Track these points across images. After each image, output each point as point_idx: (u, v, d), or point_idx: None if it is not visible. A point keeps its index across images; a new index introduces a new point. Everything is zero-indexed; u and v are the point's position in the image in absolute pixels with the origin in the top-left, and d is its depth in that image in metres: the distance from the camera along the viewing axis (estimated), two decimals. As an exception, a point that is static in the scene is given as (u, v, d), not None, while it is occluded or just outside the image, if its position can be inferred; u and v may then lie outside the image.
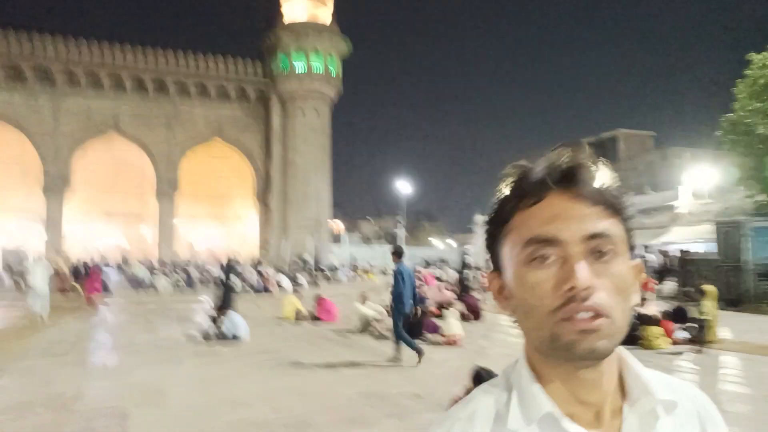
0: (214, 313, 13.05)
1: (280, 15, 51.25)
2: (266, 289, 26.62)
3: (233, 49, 65.34)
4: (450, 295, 17.17)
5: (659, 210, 37.54)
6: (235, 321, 12.57)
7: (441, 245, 75.08)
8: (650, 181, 45.49)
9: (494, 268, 0.81)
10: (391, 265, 12.38)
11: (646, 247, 29.07)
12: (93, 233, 48.32)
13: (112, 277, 29.42)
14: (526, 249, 0.72)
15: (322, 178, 50.33)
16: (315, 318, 15.68)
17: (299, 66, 48.89)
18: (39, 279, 14.71)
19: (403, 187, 49.23)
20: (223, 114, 49.86)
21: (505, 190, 0.77)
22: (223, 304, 13.26)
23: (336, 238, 52.59)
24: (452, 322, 12.12)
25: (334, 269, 41.32)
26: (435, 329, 12.45)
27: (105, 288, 23.64)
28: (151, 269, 33.01)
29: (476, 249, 39.55)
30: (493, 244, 0.80)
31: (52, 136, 44.03)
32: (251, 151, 50.88)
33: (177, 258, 43.52)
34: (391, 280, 10.19)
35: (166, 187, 47.77)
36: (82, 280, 23.49)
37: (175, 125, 48.29)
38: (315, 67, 49.08)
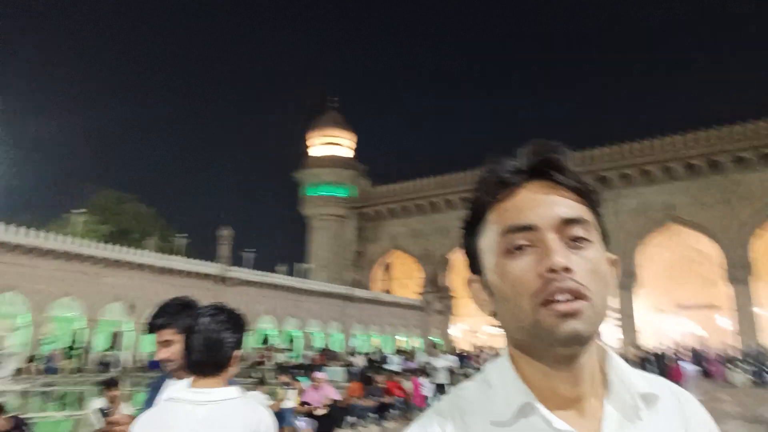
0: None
1: None
2: None
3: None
4: None
5: None
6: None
7: None
8: None
9: (473, 270, 0.82)
10: None
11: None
12: (666, 324, 48.28)
13: (688, 369, 28.56)
14: (503, 239, 0.74)
15: None
16: None
17: None
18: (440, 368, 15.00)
19: None
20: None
21: (480, 189, 0.79)
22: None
23: None
24: None
25: None
26: None
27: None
28: (728, 360, 30.06)
29: None
30: (469, 245, 0.82)
31: (615, 235, 47.90)
32: None
33: (762, 349, 37.98)
34: None
35: (738, 272, 43.39)
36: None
37: (736, 202, 44.31)
38: None
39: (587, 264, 0.71)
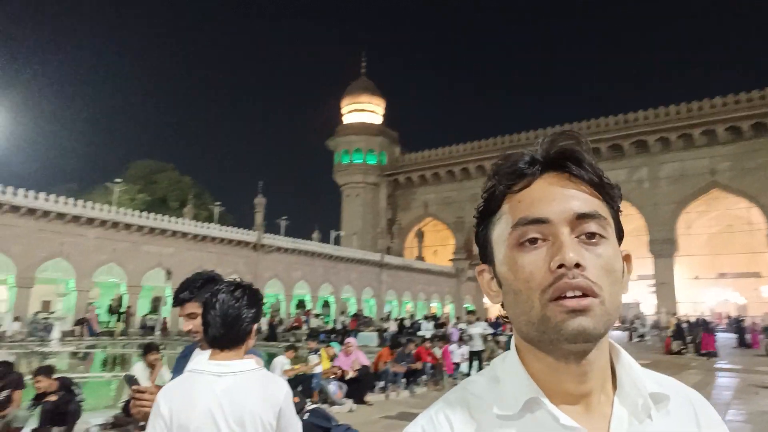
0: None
1: None
2: None
3: None
4: None
5: None
6: None
7: None
8: None
9: (483, 260, 0.80)
10: None
11: None
12: (706, 293, 47.30)
13: (724, 338, 28.19)
14: (515, 231, 0.72)
15: None
16: None
17: None
18: (476, 335, 15.05)
19: None
20: None
21: (495, 179, 0.77)
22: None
23: None
24: None
25: None
26: None
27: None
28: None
29: None
30: (482, 235, 0.80)
31: (653, 202, 46.67)
32: None
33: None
34: None
35: (783, 240, 41.94)
36: (685, 337, 23.58)
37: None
38: None
39: (600, 261, 0.69)
